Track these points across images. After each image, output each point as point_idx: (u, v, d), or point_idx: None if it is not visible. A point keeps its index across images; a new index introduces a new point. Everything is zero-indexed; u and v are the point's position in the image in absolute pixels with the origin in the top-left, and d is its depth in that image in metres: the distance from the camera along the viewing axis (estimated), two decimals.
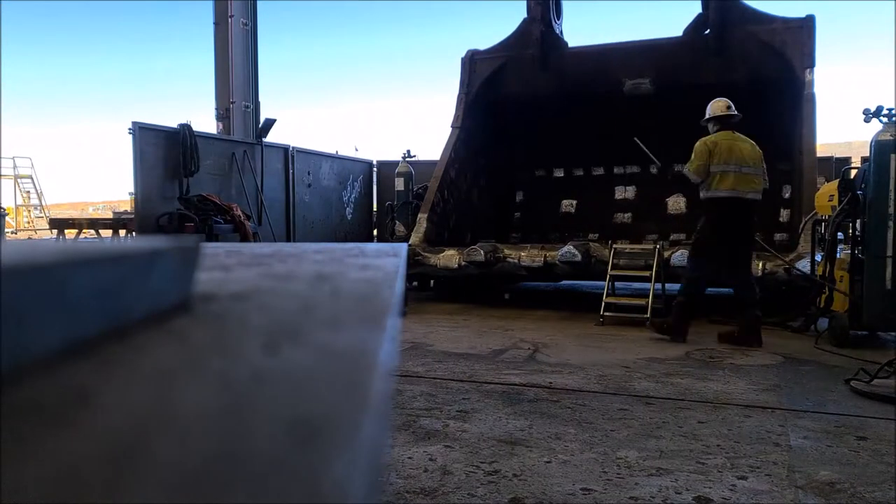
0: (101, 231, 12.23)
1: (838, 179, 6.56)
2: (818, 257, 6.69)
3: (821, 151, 9.51)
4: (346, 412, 0.31)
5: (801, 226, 7.52)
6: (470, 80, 10.91)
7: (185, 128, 9.84)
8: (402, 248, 0.94)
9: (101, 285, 0.41)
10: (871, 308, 5.77)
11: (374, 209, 14.82)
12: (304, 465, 0.26)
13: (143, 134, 9.40)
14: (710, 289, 6.44)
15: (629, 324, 7.01)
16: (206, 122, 32.21)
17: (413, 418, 3.80)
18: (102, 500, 0.23)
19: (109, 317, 0.42)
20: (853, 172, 6.39)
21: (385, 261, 0.79)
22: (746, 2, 9.43)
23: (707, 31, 9.53)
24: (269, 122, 11.93)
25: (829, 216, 6.45)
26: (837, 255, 6.31)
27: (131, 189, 10.81)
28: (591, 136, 10.90)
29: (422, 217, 9.63)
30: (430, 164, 10.96)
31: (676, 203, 10.86)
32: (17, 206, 25.26)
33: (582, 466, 3.09)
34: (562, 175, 11.88)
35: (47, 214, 24.45)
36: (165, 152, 9.68)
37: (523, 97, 10.75)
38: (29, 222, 25.40)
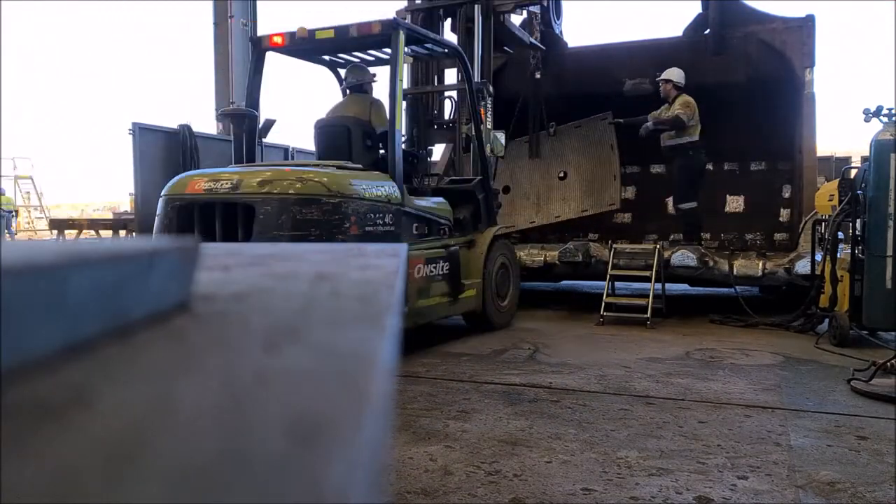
0: (101, 231, 12.23)
1: (838, 179, 6.56)
2: (818, 257, 6.70)
3: (821, 151, 9.50)
4: (347, 412, 0.31)
5: (801, 225, 7.52)
6: None
7: (185, 128, 9.84)
8: (402, 248, 0.94)
9: (101, 285, 0.41)
10: (871, 307, 5.77)
11: None
12: (304, 466, 0.26)
13: (143, 134, 9.40)
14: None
15: (629, 324, 7.01)
16: (206, 122, 32.15)
17: (413, 418, 3.80)
18: (102, 500, 0.23)
19: (109, 317, 0.42)
20: (853, 172, 6.39)
21: (385, 261, 0.79)
22: (746, 1, 9.43)
23: (707, 31, 9.53)
24: (269, 123, 11.87)
25: (830, 216, 6.44)
26: (838, 255, 6.31)
27: (131, 189, 10.81)
28: None
29: None
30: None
31: None
32: (16, 207, 25.27)
33: (582, 466, 3.09)
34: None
35: (47, 215, 24.45)
36: (165, 153, 9.67)
37: (523, 97, 10.74)
38: (29, 223, 25.39)
